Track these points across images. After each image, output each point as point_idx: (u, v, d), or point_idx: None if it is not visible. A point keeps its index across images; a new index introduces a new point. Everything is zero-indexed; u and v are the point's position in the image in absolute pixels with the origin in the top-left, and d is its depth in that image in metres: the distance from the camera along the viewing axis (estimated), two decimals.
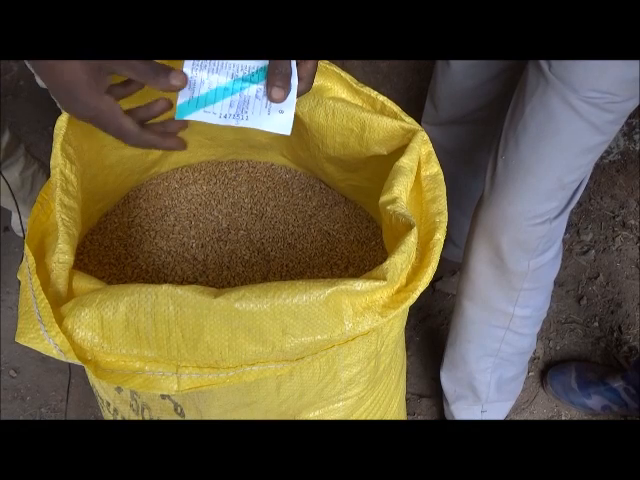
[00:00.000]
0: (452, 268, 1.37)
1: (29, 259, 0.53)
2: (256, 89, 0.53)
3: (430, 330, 1.35)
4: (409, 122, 0.67)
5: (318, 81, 0.70)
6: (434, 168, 0.65)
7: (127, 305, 0.50)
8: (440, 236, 0.58)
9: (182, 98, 0.52)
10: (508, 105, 0.83)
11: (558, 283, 1.41)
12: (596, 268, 1.45)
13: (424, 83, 1.15)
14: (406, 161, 0.62)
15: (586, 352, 1.32)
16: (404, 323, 0.72)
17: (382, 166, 0.67)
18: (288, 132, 0.52)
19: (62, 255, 0.53)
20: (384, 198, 0.60)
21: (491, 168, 0.86)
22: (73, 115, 0.50)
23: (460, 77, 0.99)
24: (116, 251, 0.75)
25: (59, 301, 0.52)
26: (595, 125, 0.74)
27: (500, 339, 1.02)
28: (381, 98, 0.69)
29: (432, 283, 1.40)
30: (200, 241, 0.77)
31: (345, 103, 0.68)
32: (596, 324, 1.36)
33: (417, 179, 0.64)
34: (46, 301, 0.50)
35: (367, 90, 0.69)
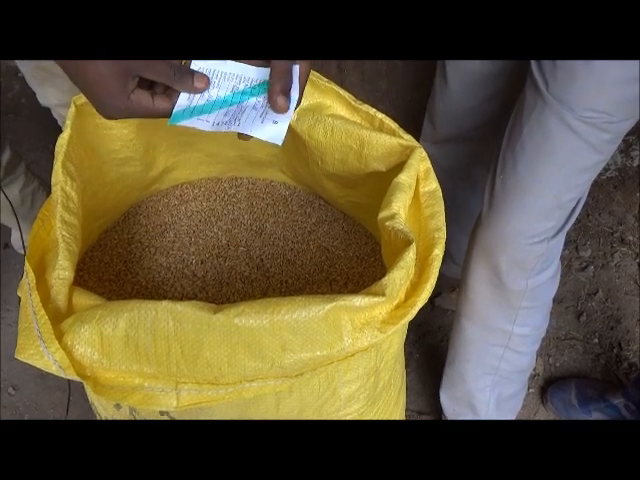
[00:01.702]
0: (451, 284, 1.37)
1: (29, 275, 0.53)
2: (255, 101, 0.53)
3: (429, 346, 1.35)
4: (407, 139, 0.67)
5: (317, 99, 0.71)
6: (432, 184, 0.65)
7: (127, 321, 0.50)
8: (439, 252, 0.59)
9: (179, 107, 0.53)
10: (506, 124, 0.84)
11: (557, 299, 1.41)
12: (595, 284, 1.45)
13: (422, 101, 1.16)
14: (404, 177, 0.62)
15: (586, 369, 1.32)
16: (403, 339, 0.71)
17: (381, 182, 0.68)
18: (280, 142, 0.51)
19: (62, 271, 0.53)
20: (383, 214, 0.60)
21: (489, 188, 0.87)
22: (106, 117, 0.52)
23: (458, 96, 1.00)
24: (116, 267, 0.75)
25: (59, 317, 0.52)
26: (592, 144, 0.75)
27: (499, 357, 1.01)
28: (379, 115, 0.69)
29: (431, 299, 1.40)
30: (200, 257, 0.77)
31: (344, 120, 0.68)
32: (596, 340, 1.36)
33: (416, 195, 0.65)
34: (46, 317, 0.50)
35: (366, 107, 0.70)
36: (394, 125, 0.69)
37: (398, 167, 0.66)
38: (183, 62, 0.54)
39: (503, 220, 0.84)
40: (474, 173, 1.13)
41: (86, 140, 0.65)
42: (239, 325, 0.49)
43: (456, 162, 1.12)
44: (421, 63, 1.40)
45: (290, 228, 0.82)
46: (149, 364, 0.50)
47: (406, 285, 0.56)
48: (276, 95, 0.52)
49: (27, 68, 1.04)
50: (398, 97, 1.49)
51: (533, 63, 0.75)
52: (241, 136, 0.53)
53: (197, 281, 0.74)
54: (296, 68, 0.53)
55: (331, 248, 0.80)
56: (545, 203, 0.81)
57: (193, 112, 0.53)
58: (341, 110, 0.71)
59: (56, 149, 0.59)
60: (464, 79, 0.97)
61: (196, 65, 0.54)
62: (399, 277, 0.53)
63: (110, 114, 0.51)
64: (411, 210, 0.65)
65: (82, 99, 0.64)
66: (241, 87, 0.54)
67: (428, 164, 0.66)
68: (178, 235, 0.80)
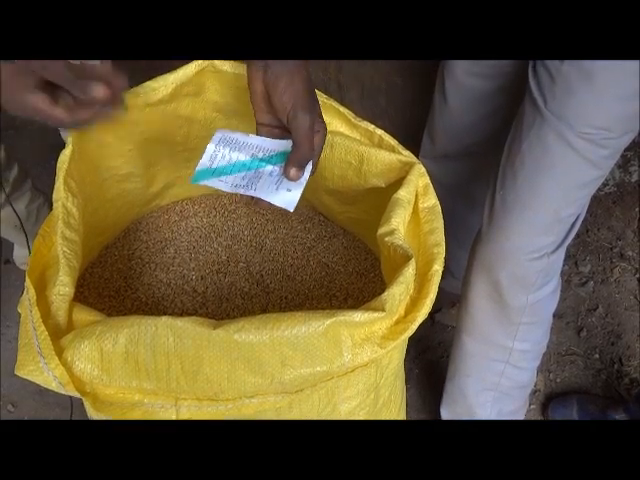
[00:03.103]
0: (451, 300, 1.37)
1: (30, 291, 0.53)
2: (271, 169, 0.57)
3: (430, 362, 1.34)
4: (406, 155, 0.68)
5: None
6: (432, 200, 0.66)
7: (127, 337, 0.50)
8: (438, 267, 0.59)
9: (202, 166, 0.57)
10: (505, 140, 0.84)
11: (557, 315, 1.40)
12: (595, 300, 1.45)
13: (421, 117, 1.16)
14: (404, 193, 0.63)
15: (587, 384, 1.31)
16: (403, 355, 0.71)
17: (380, 198, 0.68)
18: (292, 209, 0.54)
19: (63, 287, 0.53)
20: (382, 230, 0.60)
21: (488, 204, 0.87)
22: (9, 111, 0.50)
23: (457, 113, 1.01)
24: (116, 283, 0.75)
25: (59, 333, 0.52)
26: (590, 160, 0.75)
27: (499, 373, 1.01)
28: (379, 132, 0.70)
29: (431, 315, 1.40)
30: (200, 273, 0.77)
31: (343, 137, 0.69)
32: (597, 356, 1.35)
33: (415, 211, 0.65)
34: (46, 333, 0.50)
35: (365, 124, 0.70)
36: (393, 141, 0.69)
37: (397, 183, 0.66)
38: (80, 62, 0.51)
39: (503, 236, 0.84)
40: (473, 189, 1.14)
41: (87, 157, 0.66)
42: (239, 341, 0.49)
43: (455, 178, 1.13)
44: (420, 80, 1.42)
45: (290, 244, 0.82)
46: (149, 380, 0.50)
47: (406, 300, 0.56)
48: (291, 165, 0.55)
49: None
50: (397, 114, 1.50)
51: (531, 79, 0.76)
52: (257, 201, 0.56)
53: (197, 297, 0.74)
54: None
55: (331, 264, 0.80)
56: (545, 218, 0.82)
57: (214, 173, 0.57)
58: (341, 126, 0.72)
59: (58, 165, 0.60)
60: (463, 96, 0.98)
61: (219, 134, 0.58)
62: (399, 292, 0.53)
63: (10, 108, 0.50)
64: (410, 226, 0.65)
65: None
66: (260, 155, 0.58)
67: (427, 180, 0.67)
68: (178, 251, 0.80)
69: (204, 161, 0.57)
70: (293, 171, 0.55)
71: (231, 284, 0.76)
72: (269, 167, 0.57)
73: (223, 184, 0.56)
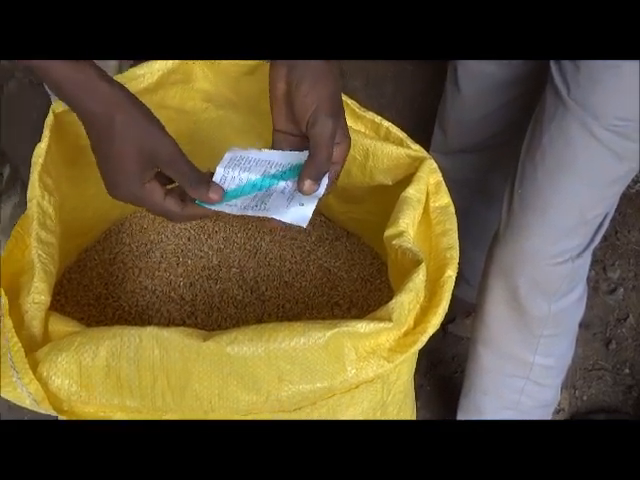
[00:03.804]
0: (466, 309, 1.37)
1: (2, 299, 0.54)
2: (284, 185, 0.57)
3: (442, 378, 1.34)
4: (416, 149, 0.68)
5: None
6: (444, 199, 0.66)
7: (108, 349, 0.50)
8: (451, 273, 0.59)
9: None
10: (524, 132, 0.85)
11: (584, 325, 1.40)
12: (625, 308, 1.45)
13: (432, 108, 1.17)
14: (413, 191, 0.63)
15: (616, 402, 1.31)
16: (413, 370, 0.71)
17: (387, 197, 0.68)
18: (304, 225, 0.55)
19: (38, 295, 0.54)
20: (389, 232, 0.60)
21: (507, 202, 0.87)
22: (113, 196, 0.56)
23: (472, 103, 1.01)
24: (96, 291, 0.76)
25: (34, 345, 0.52)
26: (617, 154, 0.76)
27: (519, 390, 1.01)
28: (385, 124, 0.70)
29: (444, 325, 1.40)
30: (188, 279, 0.78)
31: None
32: (627, 371, 1.35)
33: (425, 211, 0.65)
34: (19, 345, 0.50)
35: (370, 115, 0.71)
36: (401, 134, 0.70)
37: (406, 180, 0.66)
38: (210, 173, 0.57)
39: (522, 237, 0.85)
40: (490, 186, 1.14)
41: (65, 151, 0.66)
42: (231, 354, 0.50)
43: (470, 174, 1.13)
44: (431, 66, 1.42)
45: (288, 247, 0.82)
46: (132, 397, 0.50)
47: (415, 310, 0.56)
48: (305, 177, 0.54)
49: None
50: (406, 104, 1.51)
51: (553, 65, 0.76)
52: (267, 221, 0.56)
53: (185, 305, 0.75)
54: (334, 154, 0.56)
55: (333, 269, 0.80)
56: (568, 219, 0.82)
57: (224, 197, 0.57)
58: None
59: (32, 160, 0.60)
60: (478, 84, 0.98)
61: (231, 152, 0.59)
62: (408, 301, 0.53)
63: (118, 195, 0.55)
64: (421, 227, 0.65)
65: (61, 107, 0.64)
66: (272, 171, 0.58)
67: (439, 176, 0.67)
68: (165, 255, 0.80)
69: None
70: (307, 184, 0.54)
71: (223, 291, 0.77)
72: (281, 184, 0.57)
73: (232, 208, 0.56)
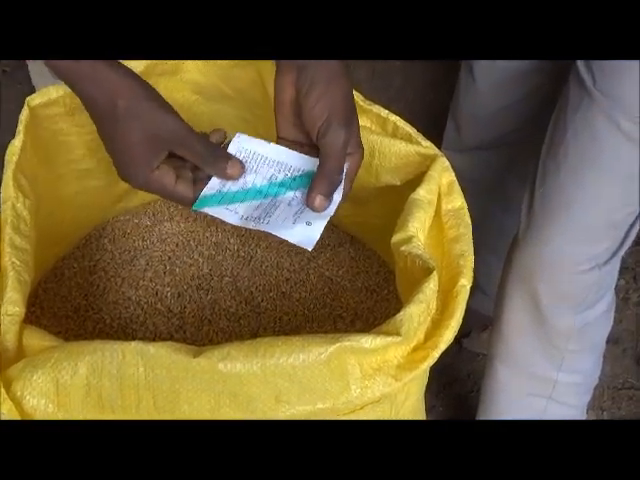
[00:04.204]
0: (482, 322, 1.37)
1: None
2: (292, 196, 0.57)
3: (456, 398, 1.34)
4: (427, 146, 0.68)
5: None
6: (457, 201, 0.66)
7: (88, 366, 0.50)
8: (466, 282, 0.59)
9: (209, 189, 0.57)
10: (545, 127, 0.85)
11: (612, 340, 1.40)
12: None
13: (445, 100, 1.17)
14: (423, 193, 0.63)
15: None
16: (423, 389, 0.71)
17: (395, 199, 0.68)
18: (310, 247, 0.55)
19: (11, 306, 0.54)
20: (397, 237, 0.61)
21: (527, 203, 0.87)
22: (124, 180, 0.57)
23: (488, 95, 1.01)
24: (75, 302, 0.76)
25: (7, 361, 0.52)
26: None
27: (541, 411, 1.01)
28: (393, 118, 0.70)
29: (458, 340, 1.39)
30: (176, 290, 0.78)
31: None
32: None
33: (437, 214, 0.65)
34: None
35: (376, 109, 0.71)
36: (411, 130, 0.70)
37: (416, 180, 0.66)
38: (222, 145, 0.58)
39: (543, 242, 0.85)
40: (508, 186, 1.14)
41: (41, 148, 0.66)
42: (224, 371, 0.50)
43: (486, 173, 1.13)
44: None
45: (285, 254, 0.82)
46: (115, 418, 0.50)
47: (426, 323, 0.56)
48: (316, 193, 0.55)
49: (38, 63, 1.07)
50: (415, 96, 1.51)
51: None
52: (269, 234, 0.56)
53: (173, 318, 0.75)
54: (346, 166, 0.57)
55: (335, 278, 0.80)
56: (595, 220, 0.82)
57: (223, 199, 0.57)
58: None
59: (6, 158, 0.60)
60: (495, 75, 0.98)
61: (236, 143, 0.59)
62: (418, 313, 0.53)
63: (128, 180, 0.56)
64: (432, 232, 0.65)
65: (37, 100, 0.65)
66: (280, 177, 0.58)
67: (452, 176, 0.67)
68: (150, 263, 0.80)
69: (213, 184, 0.57)
70: (319, 200, 0.54)
71: (214, 303, 0.77)
72: (289, 194, 0.57)
73: (232, 215, 0.56)
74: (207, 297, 0.77)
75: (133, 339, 0.57)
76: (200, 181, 0.57)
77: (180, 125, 0.55)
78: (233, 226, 0.84)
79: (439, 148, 0.69)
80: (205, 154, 0.56)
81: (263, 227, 0.55)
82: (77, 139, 0.71)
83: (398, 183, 0.70)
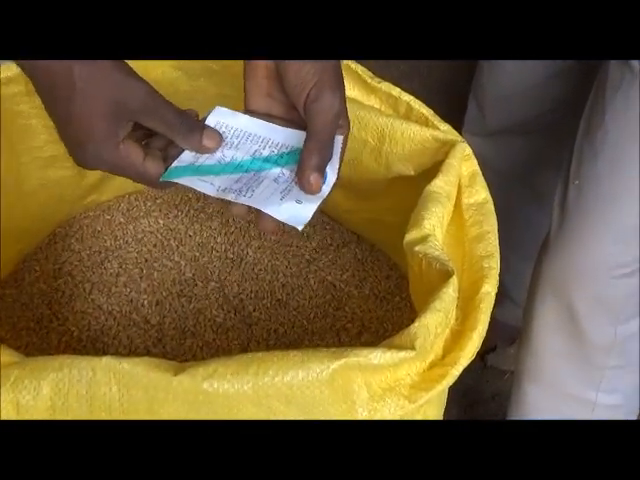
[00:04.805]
0: (510, 335, 1.37)
1: None
2: (279, 172, 0.56)
3: None
4: (445, 130, 0.68)
5: None
6: (480, 194, 0.66)
7: (52, 386, 0.50)
8: (490, 288, 0.59)
9: (180, 162, 0.56)
10: (581, 109, 0.85)
11: None
12: None
13: (465, 77, 1.17)
14: (441, 184, 0.63)
15: None
16: (442, 412, 0.71)
17: (408, 191, 0.68)
18: (300, 226, 0.54)
19: None
20: (411, 236, 0.60)
21: (560, 197, 0.87)
22: (80, 164, 0.55)
23: (515, 72, 1.01)
24: (37, 311, 0.76)
25: None
26: None
27: None
28: (406, 97, 0.70)
29: (482, 356, 1.40)
30: (154, 297, 0.78)
31: (356, 105, 0.69)
32: None
33: (457, 209, 0.65)
34: None
35: (386, 86, 0.71)
36: (426, 111, 0.70)
37: (432, 170, 0.66)
38: (198, 117, 0.58)
39: (579, 243, 0.85)
40: (539, 177, 1.14)
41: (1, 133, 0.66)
42: (210, 391, 0.50)
43: (514, 162, 1.13)
44: None
45: (281, 256, 0.82)
46: None
47: (444, 335, 0.56)
48: (310, 171, 0.54)
49: None
50: (431, 73, 1.51)
51: None
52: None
53: (151, 330, 0.75)
54: (339, 139, 0.56)
55: (339, 284, 0.80)
56: (637, 218, 0.82)
57: (197, 170, 0.56)
58: (352, 90, 0.72)
59: None
60: None
61: (214, 116, 0.58)
62: (434, 324, 0.53)
63: (88, 162, 0.54)
64: (451, 230, 0.65)
65: None
66: (264, 153, 0.57)
67: (474, 165, 0.67)
68: (124, 266, 0.80)
69: (185, 157, 0.57)
70: (313, 178, 0.54)
71: (198, 312, 0.77)
72: (275, 170, 0.56)
73: (207, 185, 0.55)
74: (190, 305, 0.77)
75: (104, 354, 0.57)
76: (171, 159, 0.56)
77: (148, 91, 0.54)
78: (220, 223, 0.85)
79: (459, 132, 0.69)
80: (177, 124, 0.55)
81: (245, 200, 0.54)
82: (38, 123, 0.71)
83: (412, 173, 0.70)
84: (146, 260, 0.81)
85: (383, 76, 0.72)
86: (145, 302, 0.77)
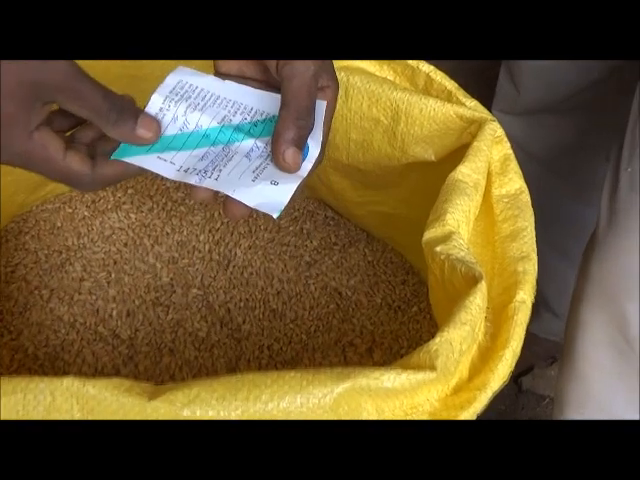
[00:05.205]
0: (549, 353, 1.37)
1: None
2: (252, 146, 0.56)
3: None
4: (472, 107, 0.68)
5: None
6: (515, 183, 0.66)
7: (4, 412, 0.50)
8: (526, 297, 0.59)
9: None
10: (634, 84, 0.85)
11: None
12: None
13: None
14: (467, 171, 0.63)
15: None
16: None
17: (427, 180, 0.68)
18: (276, 214, 0.53)
19: None
20: (432, 233, 0.60)
21: (609, 187, 0.87)
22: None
23: None
24: None
25: None
26: None
27: None
28: (425, 68, 0.70)
29: (515, 378, 1.40)
30: (125, 306, 0.78)
31: (366, 76, 0.69)
32: None
33: (486, 201, 0.65)
34: None
35: None
36: (450, 84, 0.70)
37: (456, 154, 0.66)
38: (134, 103, 0.56)
39: (633, 241, 0.85)
40: (583, 164, 1.14)
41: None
42: (191, 419, 0.50)
43: (553, 146, 1.13)
44: None
45: (276, 257, 0.82)
46: None
47: (471, 353, 0.56)
48: (285, 145, 0.53)
49: None
50: None
51: None
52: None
53: (121, 346, 0.75)
54: (321, 105, 0.56)
55: (345, 291, 0.80)
56: None
57: (154, 146, 0.55)
58: (362, 60, 0.72)
59: None
60: None
61: (176, 75, 0.58)
62: (459, 339, 0.53)
63: (4, 156, 0.52)
64: (479, 226, 0.65)
65: None
66: (235, 120, 0.57)
67: (507, 149, 0.67)
68: (89, 269, 0.80)
69: None
70: (289, 153, 0.54)
71: (177, 324, 0.77)
72: (247, 143, 0.56)
73: (166, 165, 0.55)
74: (167, 317, 0.77)
75: (65, 374, 0.57)
76: (101, 157, 0.55)
77: (70, 67, 0.51)
78: (205, 217, 0.85)
79: (489, 110, 0.69)
80: (105, 107, 0.53)
81: (210, 183, 0.54)
82: None
83: (432, 158, 0.70)
84: (115, 262, 0.81)
85: None
86: (114, 312, 0.77)
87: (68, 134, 0.55)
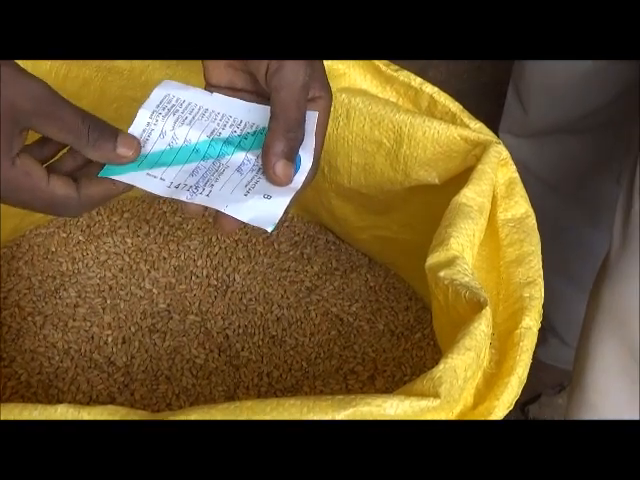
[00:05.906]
0: (557, 381, 1.37)
1: None
2: (243, 159, 0.57)
3: None
4: (476, 129, 0.68)
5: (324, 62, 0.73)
6: (520, 207, 0.66)
7: None
8: (532, 323, 0.59)
9: None
10: None
11: None
12: None
13: (502, 67, 1.17)
14: (472, 195, 0.63)
15: None
16: None
17: (431, 204, 0.69)
18: (270, 228, 0.54)
19: None
20: (435, 258, 0.61)
21: (622, 211, 0.87)
22: None
23: None
24: None
25: None
26: None
27: None
28: (429, 89, 0.70)
29: (522, 406, 1.39)
30: (120, 333, 0.78)
31: (368, 98, 0.70)
32: None
33: (491, 225, 0.66)
34: None
35: (405, 76, 0.71)
36: (454, 106, 0.70)
37: (461, 177, 0.67)
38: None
39: None
40: (593, 186, 1.14)
41: None
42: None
43: (562, 169, 1.13)
44: None
45: (276, 282, 0.83)
46: None
47: (476, 380, 0.56)
48: (275, 158, 0.54)
49: None
50: (459, 61, 1.52)
51: None
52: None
53: (116, 373, 0.75)
54: (313, 115, 0.56)
55: (346, 317, 0.80)
56: None
57: (143, 163, 0.56)
58: (364, 80, 0.73)
59: None
60: None
61: (162, 90, 0.58)
62: (463, 366, 0.54)
63: None
64: (484, 251, 0.65)
65: None
66: (225, 133, 0.58)
67: (513, 172, 0.67)
68: (84, 295, 0.81)
69: None
70: (280, 166, 0.54)
71: (174, 351, 0.77)
72: (238, 156, 0.57)
73: (156, 182, 0.55)
74: (164, 343, 0.78)
75: (59, 402, 0.57)
76: (84, 178, 0.55)
77: (44, 89, 0.52)
78: (202, 241, 0.85)
79: (495, 132, 0.69)
80: (83, 129, 0.53)
81: (201, 200, 0.54)
82: None
83: (436, 181, 0.71)
84: (110, 288, 0.81)
85: (400, 63, 0.72)
86: (109, 339, 0.77)
87: (45, 166, 0.54)
